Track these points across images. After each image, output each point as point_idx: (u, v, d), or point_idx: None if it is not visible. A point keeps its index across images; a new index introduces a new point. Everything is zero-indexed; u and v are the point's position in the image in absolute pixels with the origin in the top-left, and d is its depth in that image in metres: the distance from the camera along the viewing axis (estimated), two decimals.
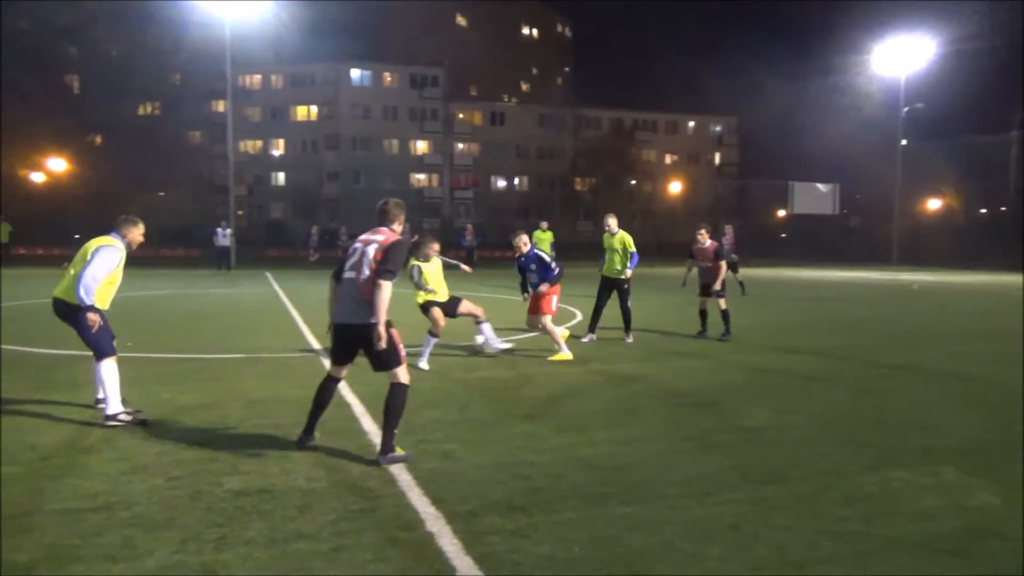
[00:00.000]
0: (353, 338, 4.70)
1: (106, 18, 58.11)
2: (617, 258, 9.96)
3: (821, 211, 50.89)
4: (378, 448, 4.61)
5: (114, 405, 5.39)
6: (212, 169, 59.53)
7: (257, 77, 66.17)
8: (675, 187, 54.44)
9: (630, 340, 9.92)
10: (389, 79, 67.89)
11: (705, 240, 10.58)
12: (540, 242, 18.28)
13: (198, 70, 54.92)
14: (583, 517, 3.75)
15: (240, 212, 37.23)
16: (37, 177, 51.82)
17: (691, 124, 76.82)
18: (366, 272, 4.65)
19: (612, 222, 10.11)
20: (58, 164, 50.78)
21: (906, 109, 44.37)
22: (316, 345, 9.27)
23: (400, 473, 4.34)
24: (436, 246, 8.24)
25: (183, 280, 22.25)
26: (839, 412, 6.12)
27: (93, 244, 5.55)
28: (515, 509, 3.83)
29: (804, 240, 48.75)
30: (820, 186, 50.82)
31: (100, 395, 5.58)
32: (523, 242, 8.92)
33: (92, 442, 4.92)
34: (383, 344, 4.50)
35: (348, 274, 4.75)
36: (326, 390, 4.92)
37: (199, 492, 4.00)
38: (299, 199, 62.84)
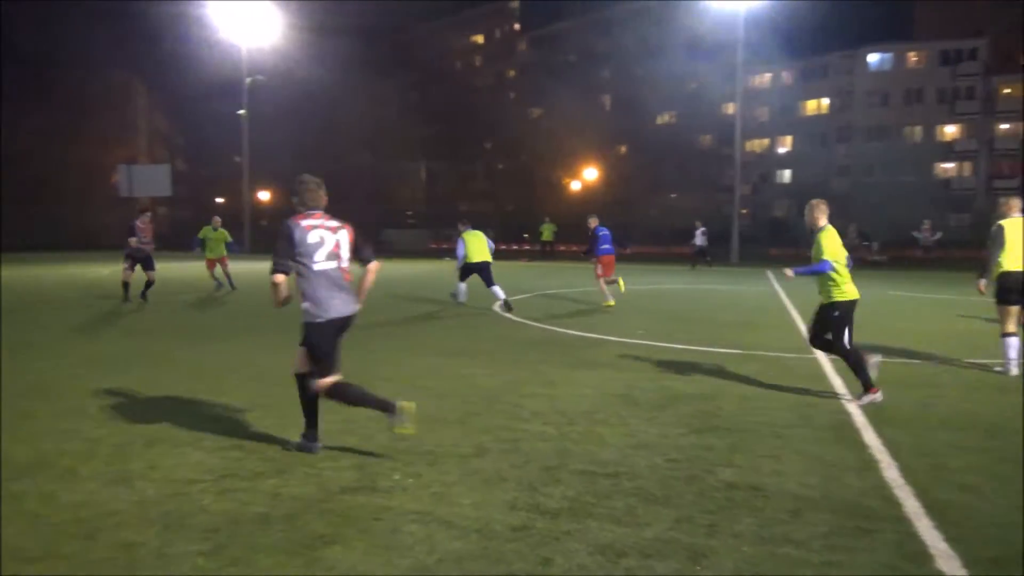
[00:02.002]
0: (342, 329, 4.63)
1: (632, 42, 64.74)
2: None
3: None
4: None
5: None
6: (720, 170, 61.62)
7: (767, 76, 66.14)
8: None
9: None
10: (914, 59, 60.89)
11: None
12: None
13: (712, 77, 57.36)
14: None
15: (744, 211, 37.84)
16: (575, 185, 60.57)
17: None
18: (346, 261, 4.65)
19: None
20: (591, 173, 58.53)
21: None
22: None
23: (907, 499, 3.90)
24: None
25: (690, 276, 23.61)
26: None
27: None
28: None
29: None
30: None
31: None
32: None
33: (606, 416, 5.59)
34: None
35: (327, 264, 4.54)
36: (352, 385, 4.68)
37: (694, 477, 4.22)
38: (804, 196, 60.80)
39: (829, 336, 6.33)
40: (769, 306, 14.50)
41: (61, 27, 52.54)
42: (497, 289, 12.78)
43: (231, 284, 16.38)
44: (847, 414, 5.66)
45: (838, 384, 6.77)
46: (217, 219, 16.69)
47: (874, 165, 60.15)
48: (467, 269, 13.08)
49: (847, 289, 6.26)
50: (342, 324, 4.61)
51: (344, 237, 4.69)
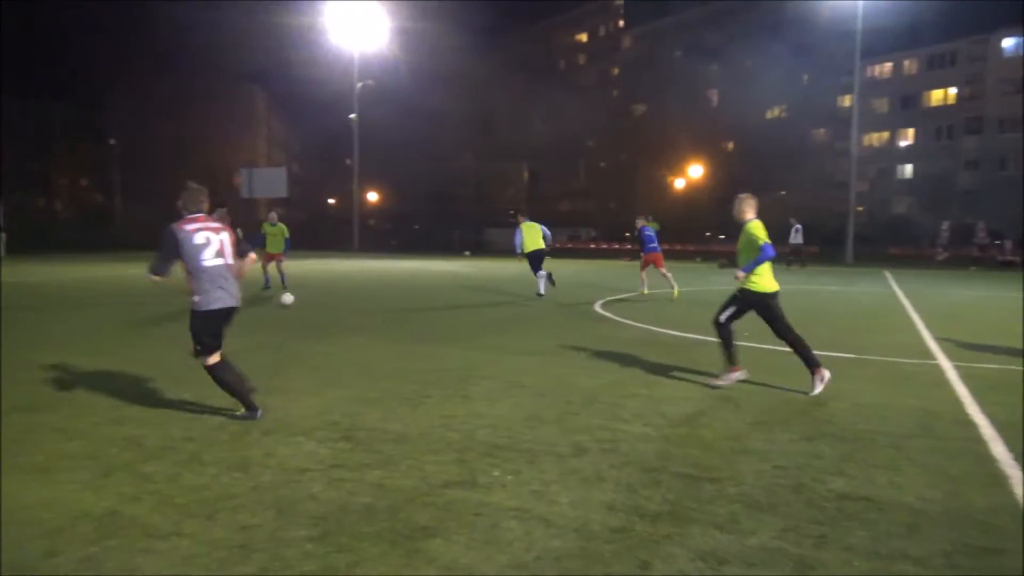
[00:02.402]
0: (227, 319, 5.25)
1: (742, 34, 62.78)
2: None
3: None
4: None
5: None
6: (834, 165, 58.89)
7: (888, 65, 62.68)
8: None
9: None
10: None
11: None
12: None
13: (827, 68, 54.92)
14: None
15: (860, 208, 35.94)
16: (679, 182, 59.37)
17: None
18: (231, 258, 5.22)
19: None
20: (696, 170, 57.21)
21: None
22: (938, 353, 8.36)
23: None
24: None
25: (801, 276, 22.68)
26: None
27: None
28: None
29: None
30: None
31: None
32: None
33: (710, 419, 5.45)
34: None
35: (215, 261, 5.11)
36: (232, 370, 5.30)
37: (802, 485, 4.05)
38: (928, 192, 57.33)
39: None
40: (887, 308, 13.73)
41: (191, 39, 56.22)
42: (542, 274, 14.50)
43: (283, 282, 15.68)
44: (974, 425, 5.29)
45: (963, 392, 6.34)
46: (273, 215, 15.96)
47: (1007, 158, 55.88)
48: (531, 259, 14.40)
49: (765, 282, 6.34)
50: (226, 314, 5.23)
51: (226, 237, 5.27)
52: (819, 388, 6.22)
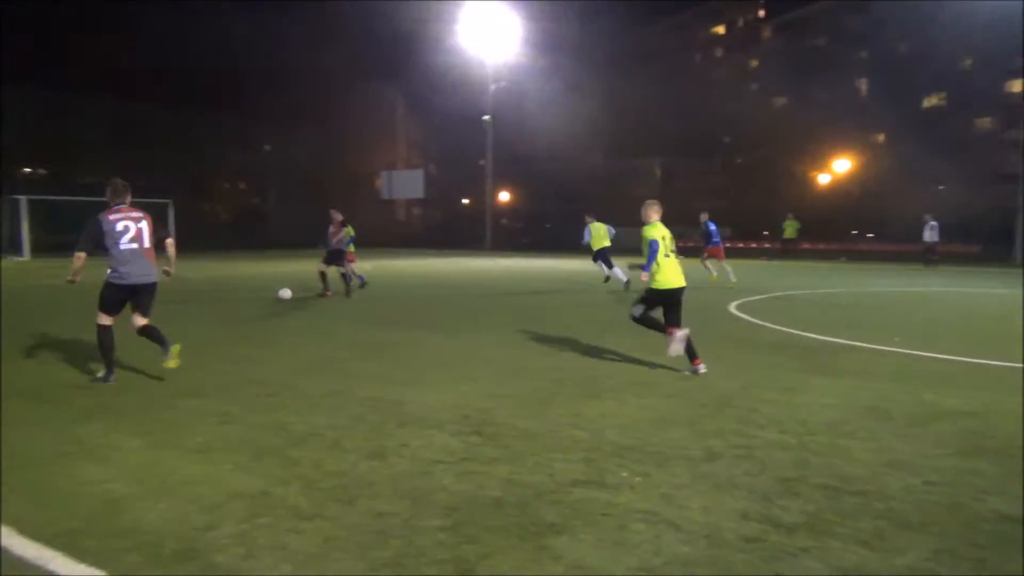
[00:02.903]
0: (141, 292, 6.23)
1: (894, 17, 58.68)
2: None
3: None
4: None
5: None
6: (1001, 157, 53.78)
7: None
8: None
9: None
10: None
11: None
12: None
13: (992, 50, 50.27)
14: None
15: None
16: (823, 178, 56.35)
17: None
18: (147, 243, 6.22)
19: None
20: (842, 165, 54.09)
21: None
22: None
23: None
24: None
25: (958, 278, 20.91)
26: None
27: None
28: None
29: None
30: None
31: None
32: None
33: (853, 428, 5.14)
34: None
35: (131, 245, 6.10)
36: (110, 336, 6.27)
37: (959, 504, 3.75)
38: None
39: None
40: None
41: (334, 46, 59.41)
42: (617, 271, 15.67)
43: (360, 280, 16.18)
44: None
45: None
46: (337, 215, 15.80)
47: None
48: (598, 255, 16.03)
49: (660, 279, 7.01)
50: (139, 289, 6.19)
51: (144, 225, 6.24)
52: (676, 348, 6.92)
